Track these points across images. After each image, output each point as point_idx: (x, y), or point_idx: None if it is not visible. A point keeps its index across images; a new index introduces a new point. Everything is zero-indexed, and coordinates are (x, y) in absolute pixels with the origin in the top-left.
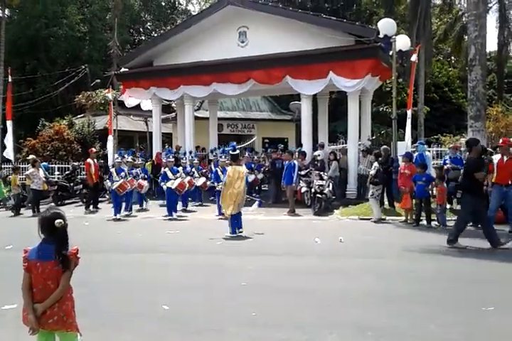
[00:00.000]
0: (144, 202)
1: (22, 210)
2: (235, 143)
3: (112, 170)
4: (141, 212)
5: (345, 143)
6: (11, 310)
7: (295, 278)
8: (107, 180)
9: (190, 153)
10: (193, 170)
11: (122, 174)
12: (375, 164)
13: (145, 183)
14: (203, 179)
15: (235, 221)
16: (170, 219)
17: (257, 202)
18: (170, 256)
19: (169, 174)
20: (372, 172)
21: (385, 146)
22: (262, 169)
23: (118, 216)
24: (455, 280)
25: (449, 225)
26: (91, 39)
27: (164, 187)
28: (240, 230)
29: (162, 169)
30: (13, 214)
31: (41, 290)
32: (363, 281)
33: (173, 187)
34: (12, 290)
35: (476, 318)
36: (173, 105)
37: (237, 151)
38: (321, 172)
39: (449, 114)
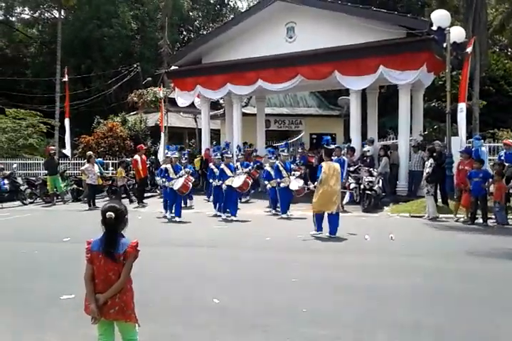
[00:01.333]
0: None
1: (78, 204)
2: (328, 137)
3: (168, 166)
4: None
5: (395, 139)
6: (68, 300)
7: (344, 275)
8: (159, 177)
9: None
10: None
11: (181, 172)
12: (431, 161)
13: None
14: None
15: (330, 221)
16: (229, 220)
17: (348, 195)
18: (220, 251)
19: (227, 171)
20: (429, 169)
21: (437, 141)
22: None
23: (178, 218)
24: (504, 281)
25: (509, 223)
26: (142, 38)
27: (221, 185)
28: (332, 235)
29: (211, 165)
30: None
31: (103, 281)
32: (414, 280)
33: (235, 185)
34: (70, 280)
35: None
36: (221, 102)
37: (333, 146)
38: (371, 169)
39: (505, 108)
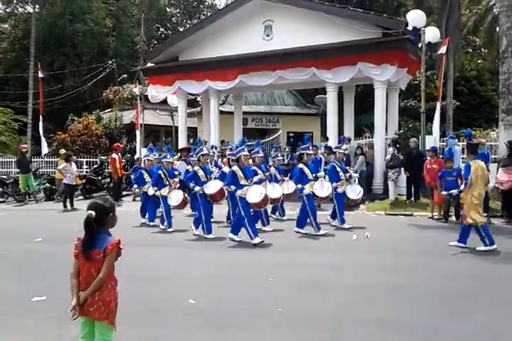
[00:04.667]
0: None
1: (51, 203)
2: (470, 130)
3: (197, 168)
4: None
5: (371, 137)
6: (40, 301)
7: (321, 274)
8: (148, 183)
9: (213, 147)
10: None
11: (214, 174)
12: (390, 149)
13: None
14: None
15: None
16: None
17: None
18: (195, 251)
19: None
20: (388, 157)
21: (413, 139)
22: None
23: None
24: (487, 279)
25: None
26: (118, 34)
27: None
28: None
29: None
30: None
31: (85, 278)
32: (389, 278)
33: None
34: (42, 282)
35: (505, 318)
36: (199, 99)
37: (475, 141)
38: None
39: (478, 108)
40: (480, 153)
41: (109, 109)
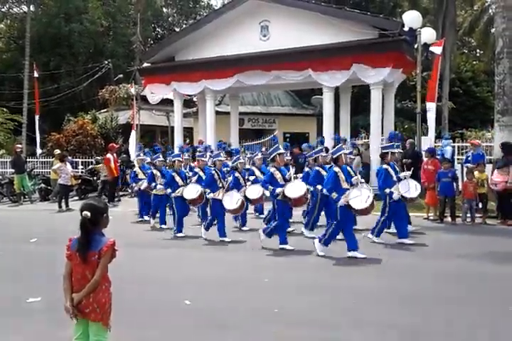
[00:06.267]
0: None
1: (46, 204)
2: None
3: (273, 169)
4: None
5: (367, 138)
6: (35, 302)
7: (317, 276)
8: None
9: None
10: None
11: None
12: None
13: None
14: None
15: None
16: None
17: None
18: (191, 252)
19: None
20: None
21: (410, 140)
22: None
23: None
24: (480, 280)
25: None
26: (114, 34)
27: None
28: None
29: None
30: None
31: (79, 280)
32: (387, 280)
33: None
34: (36, 283)
35: (502, 318)
36: (195, 100)
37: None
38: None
39: (473, 108)
40: (475, 154)
41: (105, 109)
